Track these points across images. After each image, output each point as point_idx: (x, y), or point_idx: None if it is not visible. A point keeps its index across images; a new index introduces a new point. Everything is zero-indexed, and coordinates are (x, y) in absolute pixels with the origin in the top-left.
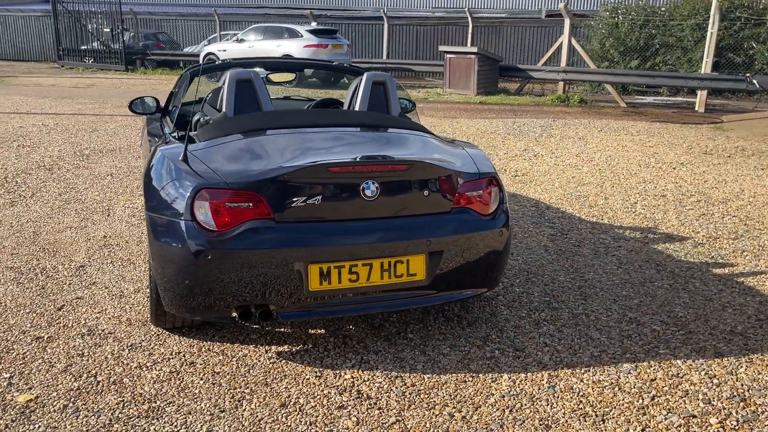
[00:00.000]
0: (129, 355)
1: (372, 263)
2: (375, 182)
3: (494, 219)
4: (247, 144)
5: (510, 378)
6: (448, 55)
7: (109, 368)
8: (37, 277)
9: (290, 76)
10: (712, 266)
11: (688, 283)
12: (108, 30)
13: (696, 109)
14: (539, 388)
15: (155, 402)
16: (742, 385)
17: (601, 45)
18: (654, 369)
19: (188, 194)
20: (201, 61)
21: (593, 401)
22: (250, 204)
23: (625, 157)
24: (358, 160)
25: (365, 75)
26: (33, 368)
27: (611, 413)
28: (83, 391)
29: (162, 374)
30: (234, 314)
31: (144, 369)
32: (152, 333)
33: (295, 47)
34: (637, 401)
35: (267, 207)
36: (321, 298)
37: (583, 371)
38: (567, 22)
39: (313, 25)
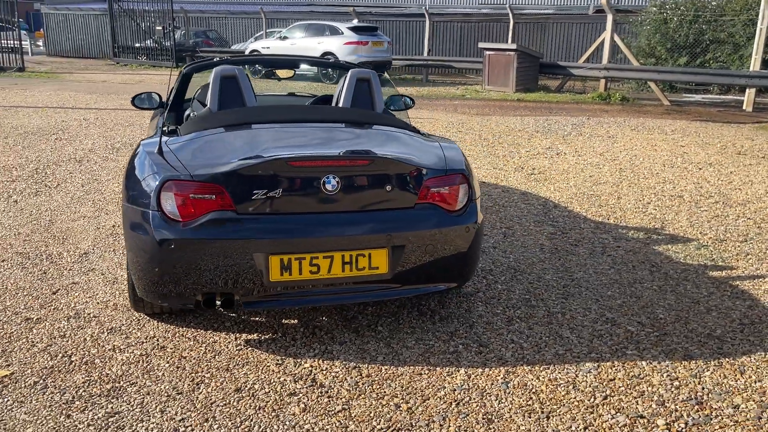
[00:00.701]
0: (106, 338)
1: (333, 256)
2: (335, 177)
3: (462, 215)
4: (221, 138)
5: (466, 372)
6: (488, 52)
7: (85, 349)
8: (41, 262)
9: (290, 72)
10: (710, 269)
11: (679, 285)
12: (160, 28)
13: (743, 108)
14: (492, 384)
15: (119, 383)
16: (703, 388)
17: (648, 42)
18: (616, 369)
19: (156, 185)
20: None
21: (543, 398)
22: (213, 196)
23: (651, 157)
24: (319, 155)
25: (349, 72)
26: (16, 347)
27: (558, 410)
28: (56, 369)
29: (132, 357)
30: (199, 300)
31: (117, 351)
32: (134, 318)
33: (336, 44)
34: (588, 400)
35: (229, 199)
36: (282, 289)
37: (541, 369)
38: (610, 18)
39: (354, 22)
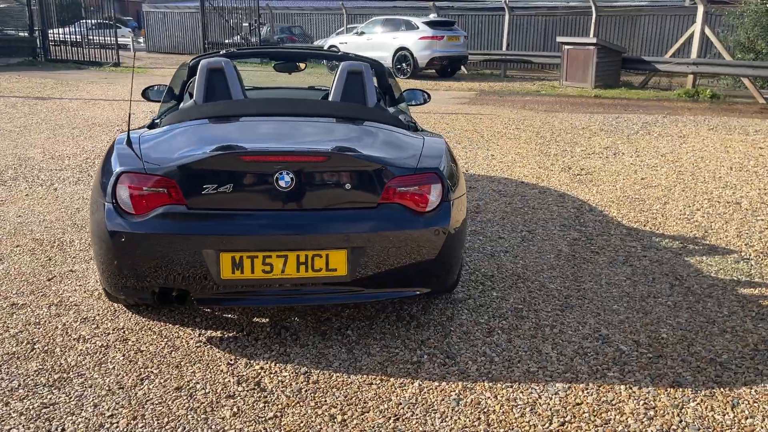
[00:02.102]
0: (77, 327)
1: (287, 255)
2: (290, 173)
3: (432, 217)
4: (189, 131)
5: (420, 385)
6: (566, 47)
7: (51, 338)
8: (51, 249)
9: (301, 65)
10: (742, 285)
11: (700, 302)
12: (247, 24)
13: None
14: (443, 400)
15: (68, 373)
16: (681, 421)
17: (747, 35)
18: (588, 393)
19: (113, 177)
20: None
21: (492, 420)
22: (165, 190)
23: (719, 159)
24: (272, 149)
25: (341, 65)
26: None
27: None
28: (16, 356)
29: (91, 348)
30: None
31: (80, 341)
32: (111, 309)
33: (411, 40)
34: (542, 425)
35: (181, 194)
36: (234, 287)
37: (503, 387)
38: (701, 9)
39: (431, 17)
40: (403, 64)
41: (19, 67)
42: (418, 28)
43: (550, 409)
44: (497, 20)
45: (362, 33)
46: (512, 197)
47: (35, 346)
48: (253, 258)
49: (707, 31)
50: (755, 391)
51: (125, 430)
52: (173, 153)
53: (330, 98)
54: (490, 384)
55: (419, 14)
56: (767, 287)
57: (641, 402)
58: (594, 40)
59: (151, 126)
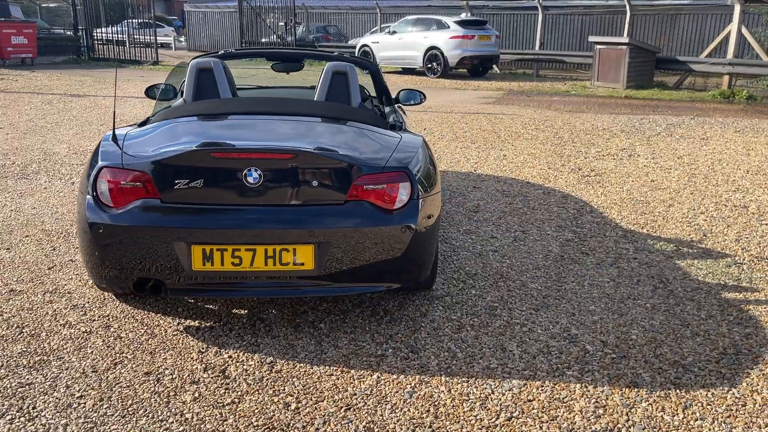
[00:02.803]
0: (66, 313)
1: (255, 249)
2: (258, 170)
3: (400, 215)
4: (171, 128)
5: (378, 377)
6: (598, 46)
7: (39, 323)
8: (57, 239)
9: (297, 66)
10: (727, 290)
11: (680, 304)
12: (283, 24)
13: None
14: (397, 392)
15: (48, 356)
16: (628, 420)
17: None
18: (542, 390)
19: (94, 171)
20: (356, 52)
21: (441, 412)
22: (140, 184)
23: (738, 162)
24: (241, 147)
25: (326, 65)
26: None
27: (447, 427)
28: (4, 338)
29: (75, 333)
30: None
31: (66, 327)
32: (102, 297)
33: (442, 39)
34: (489, 419)
35: (155, 188)
36: (205, 279)
37: (458, 381)
38: (737, 9)
39: (463, 16)
40: (434, 64)
41: (62, 65)
42: (448, 27)
43: (500, 405)
44: (531, 19)
45: (394, 32)
46: (514, 197)
47: (23, 330)
48: (223, 251)
49: (744, 31)
50: (711, 393)
51: (91, 410)
52: (151, 149)
53: (315, 98)
54: (447, 378)
55: (453, 14)
56: (752, 292)
57: (593, 401)
58: (626, 40)
59: (143, 124)
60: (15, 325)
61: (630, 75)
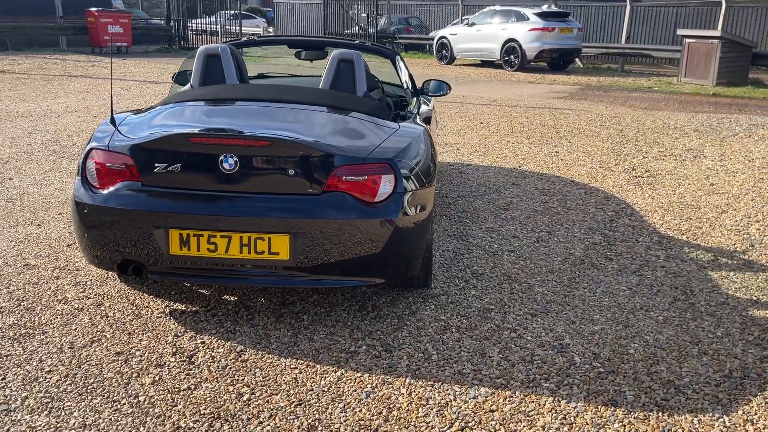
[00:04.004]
0: (67, 289)
1: (231, 236)
2: (234, 156)
3: (380, 208)
4: (166, 113)
5: (341, 375)
6: (687, 40)
7: (39, 297)
8: None
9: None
10: (757, 306)
11: (697, 319)
12: (365, 15)
13: None
14: (354, 392)
15: (35, 330)
16: None
17: None
18: (509, 401)
19: (84, 153)
20: (434, 45)
21: (393, 416)
22: (123, 167)
23: None
24: (218, 132)
25: (332, 53)
26: None
27: (390, 431)
28: (1, 310)
29: (68, 309)
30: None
31: (61, 302)
32: (104, 276)
33: (521, 31)
34: (441, 427)
35: (137, 171)
36: (183, 263)
37: (422, 385)
38: None
39: (544, 7)
40: (511, 56)
41: (154, 54)
42: (528, 19)
43: (458, 413)
44: (620, 11)
45: (472, 24)
46: (552, 196)
47: (22, 303)
48: (199, 236)
49: None
50: (698, 420)
51: (53, 385)
52: (139, 133)
53: (320, 86)
54: (412, 381)
55: (538, 5)
56: None
57: (560, 417)
58: (718, 33)
59: (150, 109)
60: (16, 298)
61: (721, 71)
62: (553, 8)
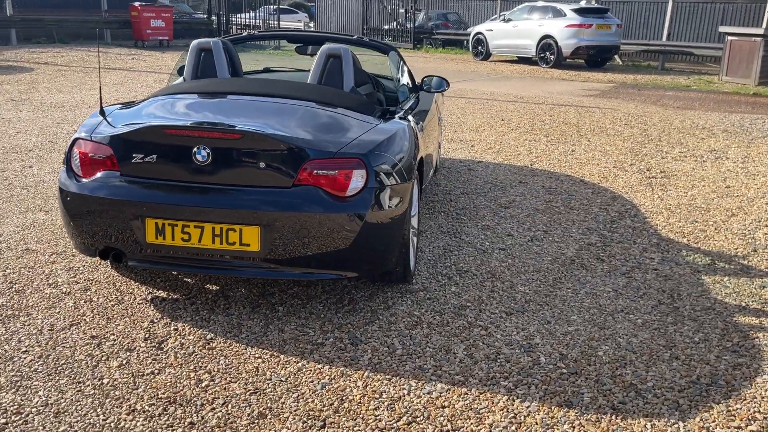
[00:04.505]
0: (59, 274)
1: (204, 227)
2: (206, 148)
3: (350, 203)
4: (152, 105)
5: (300, 366)
6: (729, 37)
7: (31, 281)
8: None
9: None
10: (745, 313)
11: (677, 323)
12: (403, 11)
13: None
14: (311, 383)
15: (20, 311)
16: None
17: None
18: (463, 398)
19: (70, 143)
20: (470, 40)
21: (343, 408)
22: (104, 157)
23: None
24: (191, 125)
25: (321, 48)
26: None
27: (342, 423)
28: None
29: (56, 293)
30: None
31: (51, 286)
32: (98, 262)
33: (557, 27)
34: (388, 420)
35: (116, 161)
36: (159, 252)
37: (380, 378)
38: None
39: (582, 3)
40: (547, 53)
41: None
42: (565, 15)
43: (409, 407)
44: (661, 8)
45: (509, 20)
46: (557, 195)
47: (14, 286)
48: (174, 226)
49: None
50: (651, 424)
51: (26, 365)
52: (122, 124)
53: (308, 81)
54: (370, 374)
55: (577, 1)
56: None
57: (510, 416)
58: (762, 31)
59: (143, 101)
60: (10, 281)
61: (764, 70)
62: (593, 4)
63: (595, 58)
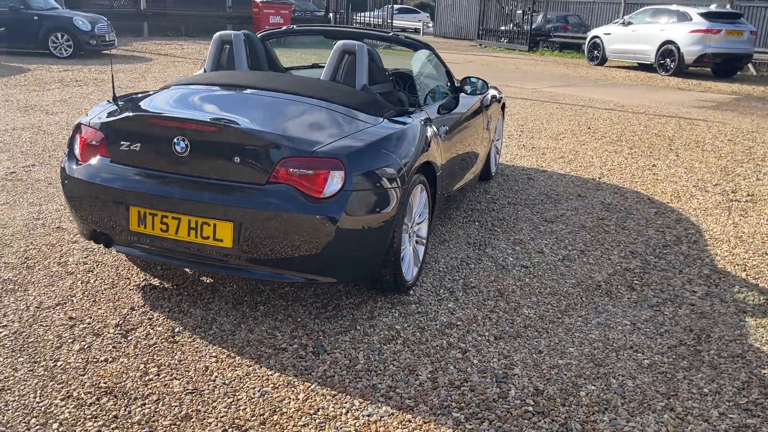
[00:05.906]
0: (73, 253)
1: (180, 218)
2: (185, 139)
3: (326, 205)
4: (162, 96)
5: (250, 370)
6: None
7: (45, 257)
8: None
9: None
10: (744, 333)
11: (691, 369)
12: (520, 12)
13: None
14: (251, 389)
15: (20, 287)
16: None
17: None
18: (402, 425)
19: (73, 127)
20: (586, 44)
21: (272, 420)
22: (97, 143)
23: None
24: (171, 115)
25: (336, 44)
26: (23, 245)
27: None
28: (6, 265)
29: (60, 271)
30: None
31: (59, 265)
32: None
33: (680, 32)
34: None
35: (107, 148)
36: (140, 240)
37: (324, 393)
38: None
39: (712, 7)
40: (667, 60)
41: (308, 44)
42: (690, 19)
43: (340, 428)
44: None
45: (629, 23)
46: (613, 213)
47: (27, 262)
48: (153, 215)
49: None
50: None
51: None
52: (119, 112)
53: (322, 76)
54: (317, 387)
55: (705, 4)
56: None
57: (448, 426)
58: None
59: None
60: (26, 256)
61: None
62: (727, 8)
63: (723, 67)
